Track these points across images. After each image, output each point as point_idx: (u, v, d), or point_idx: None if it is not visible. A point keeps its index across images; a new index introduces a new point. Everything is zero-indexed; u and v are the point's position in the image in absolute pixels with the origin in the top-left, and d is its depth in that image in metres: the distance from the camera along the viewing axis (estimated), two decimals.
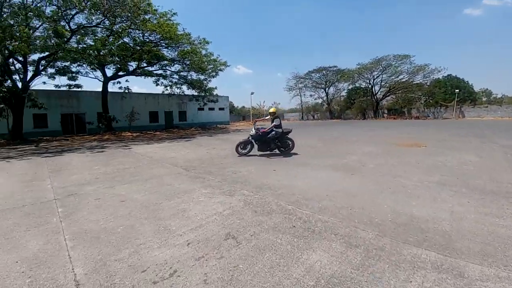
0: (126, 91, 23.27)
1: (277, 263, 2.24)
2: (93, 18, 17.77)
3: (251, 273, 2.11)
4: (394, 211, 3.38)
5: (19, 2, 14.66)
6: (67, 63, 20.17)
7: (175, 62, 23.60)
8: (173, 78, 24.92)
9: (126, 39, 19.98)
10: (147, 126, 26.82)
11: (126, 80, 24.30)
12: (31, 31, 14.84)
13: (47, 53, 16.97)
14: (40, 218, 3.44)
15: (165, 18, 19.61)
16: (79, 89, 21.85)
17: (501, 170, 5.50)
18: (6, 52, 15.02)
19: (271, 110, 8.33)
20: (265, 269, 2.15)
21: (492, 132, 14.25)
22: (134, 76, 24.17)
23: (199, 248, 2.51)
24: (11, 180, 5.79)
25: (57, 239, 2.81)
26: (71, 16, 16.72)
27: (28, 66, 17.52)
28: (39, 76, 18.25)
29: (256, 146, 8.26)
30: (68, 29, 16.58)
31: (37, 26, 15.92)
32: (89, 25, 18.04)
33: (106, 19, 17.46)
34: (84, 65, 20.99)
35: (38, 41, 15.83)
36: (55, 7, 15.54)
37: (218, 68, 25.04)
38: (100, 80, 22.75)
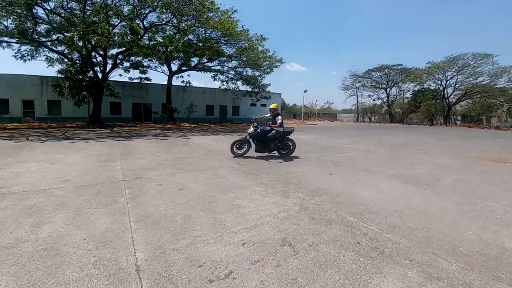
0: (187, 84, 24.98)
1: (341, 284, 1.96)
2: (163, 17, 19.38)
3: None
4: (481, 240, 2.76)
5: (101, 1, 16.78)
6: (140, 58, 22.51)
7: (233, 58, 24.37)
8: (229, 73, 25.84)
9: (190, 36, 21.35)
10: (203, 119, 28.38)
11: (188, 75, 26.17)
12: (110, 28, 16.89)
13: (123, 49, 19.19)
14: (109, 198, 3.77)
15: (226, 16, 20.31)
16: (148, 82, 24.26)
17: None
18: (89, 46, 17.42)
19: (272, 106, 7.43)
20: None
21: None
22: (194, 71, 25.80)
23: (254, 251, 2.39)
24: (88, 160, 6.62)
25: (122, 220, 3.01)
26: (144, 15, 18.49)
27: (107, 59, 20.05)
28: (116, 69, 20.81)
29: (253, 146, 7.33)
30: (142, 27, 18.40)
31: (116, 23, 18.04)
32: (159, 23, 19.77)
33: (174, 18, 18.86)
34: (153, 60, 23.17)
35: (116, 38, 17.97)
36: (131, 6, 17.38)
37: (273, 65, 25.02)
38: (166, 74, 24.93)
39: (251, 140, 7.25)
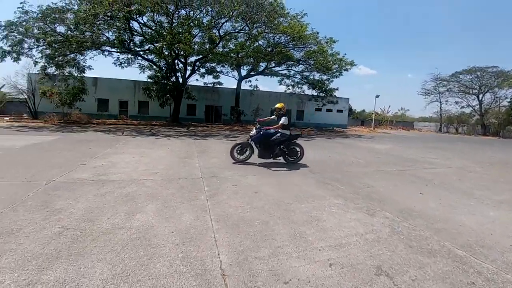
0: (255, 89, 25.83)
1: None
2: (237, 25, 20.50)
3: None
4: None
5: (185, 14, 18.70)
6: (214, 64, 24.34)
7: (300, 62, 24.06)
8: (295, 78, 25.60)
9: (260, 42, 22.01)
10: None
11: (256, 79, 26.99)
12: (191, 38, 18.71)
13: (201, 56, 21.05)
14: (191, 193, 3.99)
15: (295, 20, 20.17)
16: (220, 86, 26.02)
17: None
18: (173, 54, 19.63)
19: (278, 105, 6.63)
20: None
21: None
22: (261, 76, 26.48)
23: (345, 276, 2.10)
24: (171, 155, 7.31)
25: (204, 218, 3.09)
26: (220, 24, 19.89)
27: (187, 66, 22.29)
28: (194, 74, 23.01)
29: (256, 151, 6.57)
30: (218, 36, 19.83)
31: (196, 34, 19.87)
32: (233, 31, 20.98)
33: (246, 26, 19.74)
34: (225, 65, 24.75)
35: (196, 46, 19.81)
36: (210, 17, 18.90)
37: (344, 68, 23.67)
38: (235, 79, 26.35)
39: (253, 144, 6.54)
